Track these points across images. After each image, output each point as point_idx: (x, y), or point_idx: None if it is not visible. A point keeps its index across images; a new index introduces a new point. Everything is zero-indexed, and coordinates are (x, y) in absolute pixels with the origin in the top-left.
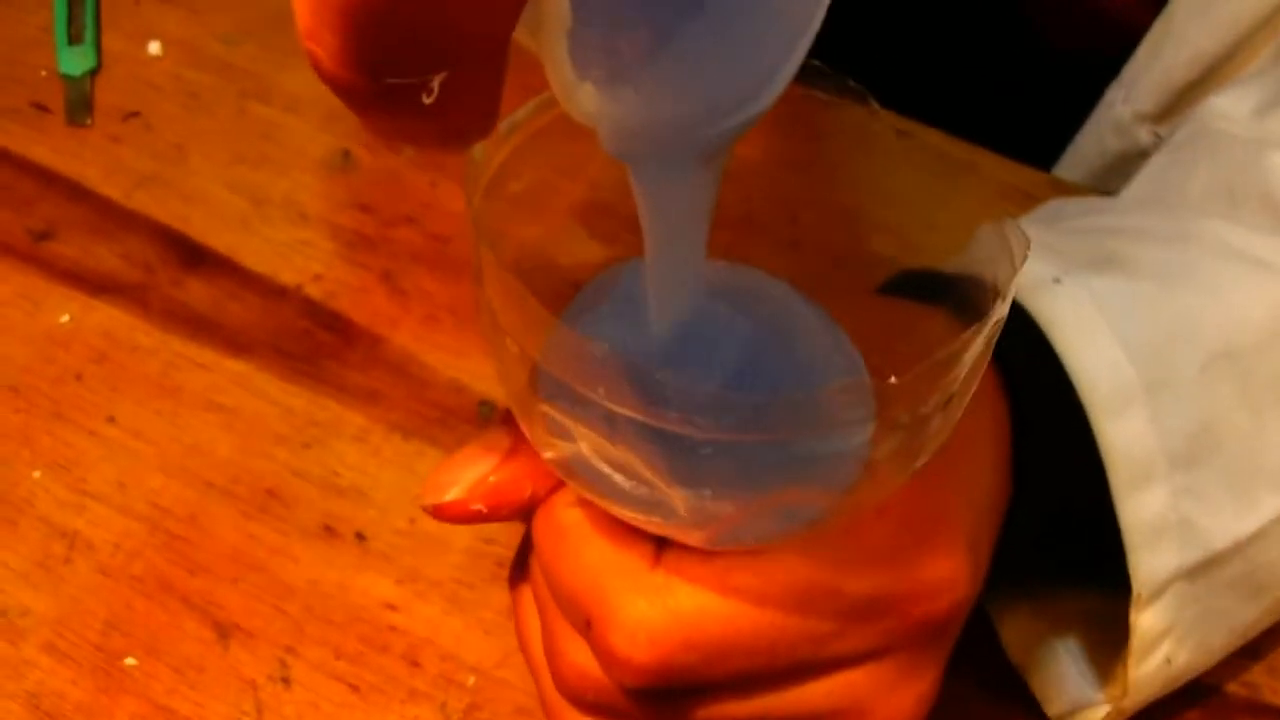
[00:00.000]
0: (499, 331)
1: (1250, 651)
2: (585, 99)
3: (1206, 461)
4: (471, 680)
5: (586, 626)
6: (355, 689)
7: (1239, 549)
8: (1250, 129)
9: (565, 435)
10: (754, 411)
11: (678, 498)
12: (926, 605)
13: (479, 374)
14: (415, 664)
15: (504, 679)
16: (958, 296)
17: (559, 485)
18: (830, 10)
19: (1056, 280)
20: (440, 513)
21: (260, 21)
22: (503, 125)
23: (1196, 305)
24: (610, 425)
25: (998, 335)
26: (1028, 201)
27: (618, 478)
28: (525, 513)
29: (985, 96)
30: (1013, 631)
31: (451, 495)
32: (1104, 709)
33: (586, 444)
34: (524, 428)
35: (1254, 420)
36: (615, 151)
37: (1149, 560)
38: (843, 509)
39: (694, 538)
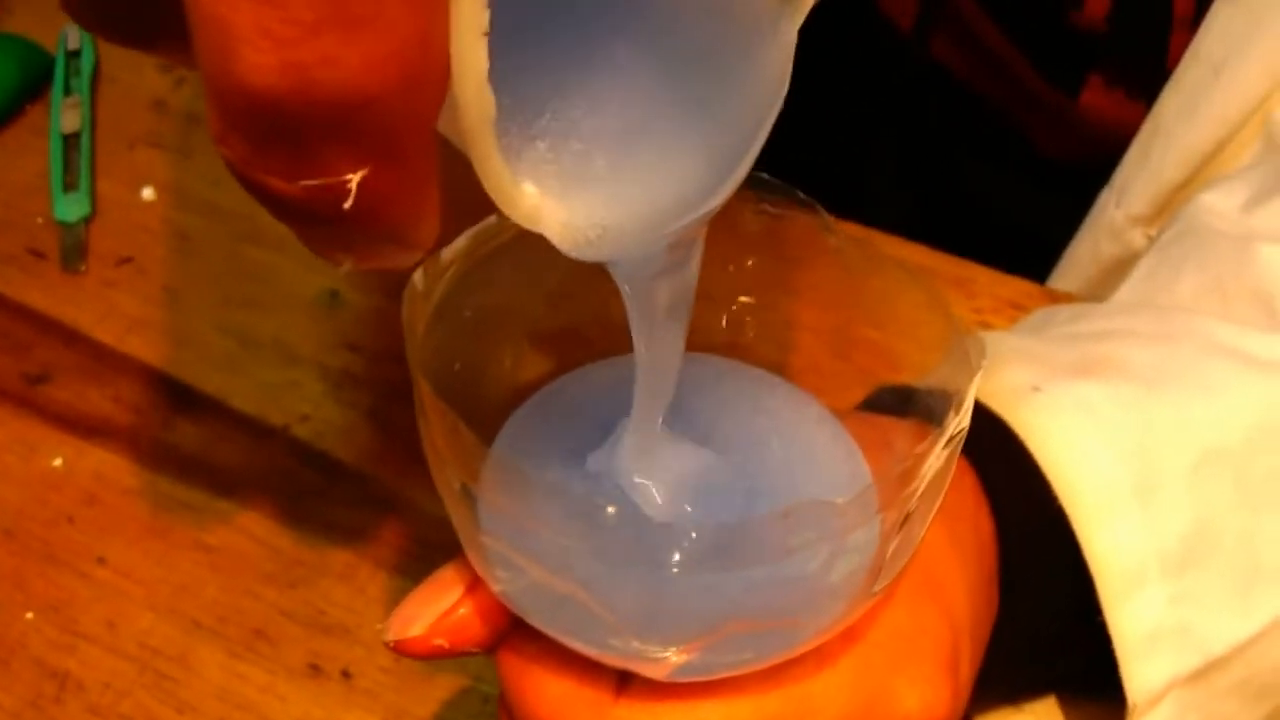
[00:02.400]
0: (441, 462)
1: None
2: (525, 200)
3: (1202, 564)
4: None
5: None
6: None
7: (1239, 652)
8: (1239, 224)
9: (512, 568)
10: (708, 540)
11: (632, 630)
12: None
13: None
14: None
15: None
16: (926, 409)
17: (521, 619)
18: (821, 127)
19: (1036, 389)
20: (402, 648)
21: None
22: (444, 253)
23: (1185, 405)
24: (557, 557)
25: (958, 449)
26: (1020, 315)
27: (569, 610)
28: (490, 647)
29: (977, 210)
30: None
31: (414, 631)
32: None
33: (533, 577)
34: (472, 561)
35: (1251, 519)
36: (568, 251)
37: (1143, 669)
38: (806, 636)
39: (651, 669)
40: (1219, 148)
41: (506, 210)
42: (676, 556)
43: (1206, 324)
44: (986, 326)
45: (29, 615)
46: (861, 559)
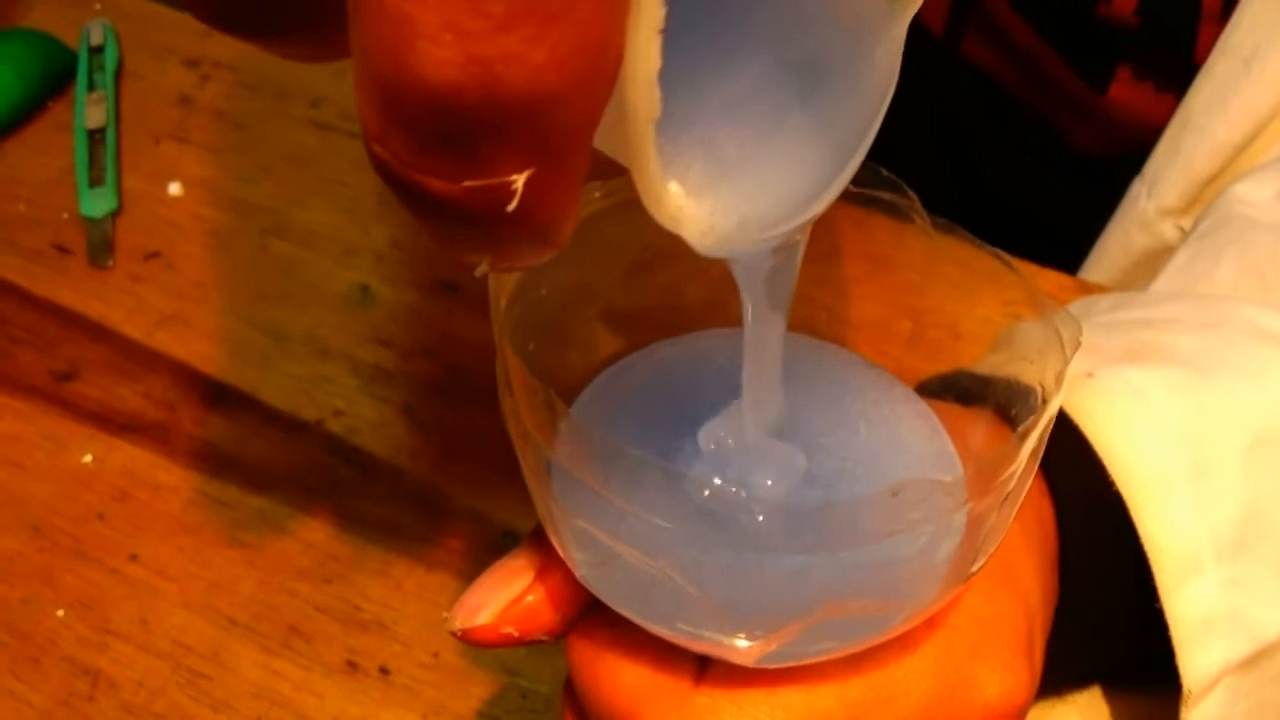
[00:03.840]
0: (526, 440)
1: None
2: (671, 201)
3: (1254, 549)
4: None
5: None
6: None
7: None
8: (1275, 213)
9: (599, 550)
10: (810, 520)
11: (723, 615)
12: (983, 716)
13: (501, 504)
14: None
15: None
16: (998, 398)
17: (593, 603)
18: None
19: (1089, 374)
20: (470, 637)
21: (277, 160)
22: None
23: (1235, 390)
24: (648, 538)
25: (1050, 428)
26: (1035, 306)
27: (656, 594)
28: (559, 634)
29: (1008, 205)
30: None
31: (482, 619)
32: None
33: (621, 559)
34: (554, 543)
35: None
36: (701, 249)
37: (1198, 656)
38: (899, 620)
39: (739, 656)
40: (1250, 139)
41: (653, 210)
42: (777, 538)
43: (1250, 310)
44: (1019, 319)
45: (60, 613)
46: (960, 540)
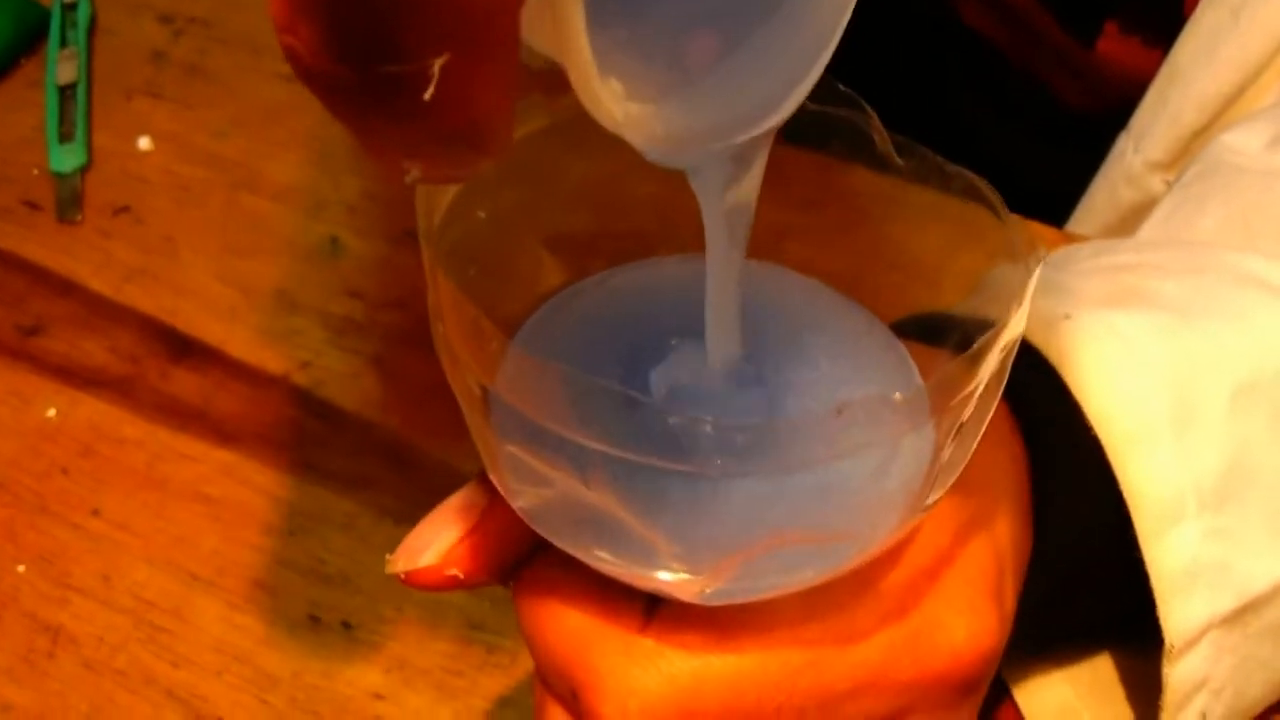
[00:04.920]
0: (458, 366)
1: None
2: (610, 99)
3: (1239, 499)
4: None
5: (572, 696)
6: None
7: (1277, 592)
8: (1263, 161)
9: (536, 480)
10: (754, 438)
11: (666, 544)
12: (949, 661)
13: (471, 457)
14: None
15: None
16: (963, 337)
17: (541, 545)
18: (842, 81)
19: (1067, 317)
20: (413, 579)
21: (249, 114)
22: None
23: (1219, 336)
24: (584, 464)
25: (1013, 354)
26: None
27: (599, 526)
28: (506, 576)
29: (995, 156)
30: (1033, 698)
31: (425, 560)
32: None
33: (559, 488)
34: (491, 475)
35: None
36: (648, 154)
37: (1181, 608)
38: (852, 553)
39: (688, 592)
40: (1238, 91)
41: (591, 108)
42: (720, 459)
43: (1234, 256)
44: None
45: (20, 568)
46: (916, 468)
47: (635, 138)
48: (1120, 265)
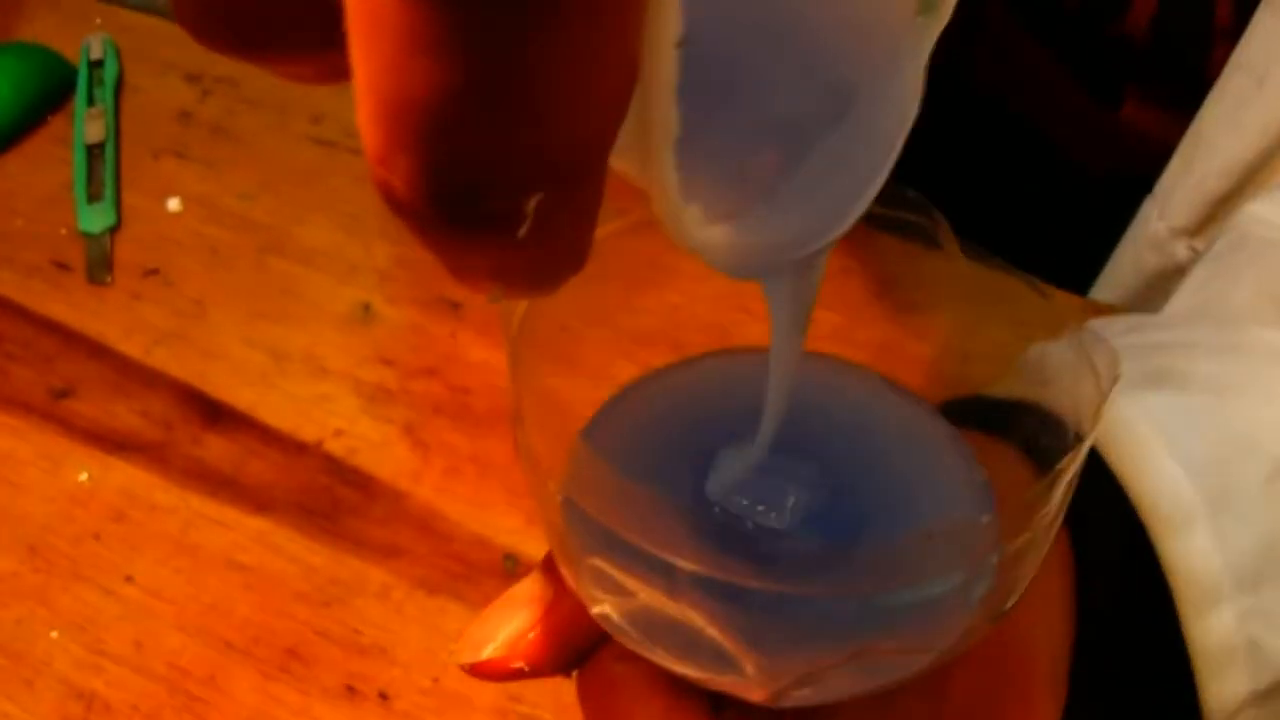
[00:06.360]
0: (540, 475)
1: None
2: (691, 224)
3: (1274, 579)
4: None
5: None
6: None
7: None
8: None
9: (616, 590)
10: (839, 563)
11: (745, 655)
12: None
13: (503, 527)
14: None
15: None
16: (1025, 428)
17: (605, 637)
18: None
19: None
20: (478, 671)
21: (277, 176)
22: None
23: (1255, 416)
24: (669, 578)
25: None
26: (1061, 329)
27: (674, 634)
28: (569, 668)
29: (1016, 224)
30: None
31: (488, 652)
32: None
33: (641, 599)
34: (569, 581)
35: None
36: (722, 270)
37: (1218, 688)
38: (927, 661)
39: (757, 695)
40: (1263, 158)
41: (672, 233)
42: (804, 580)
43: (1268, 334)
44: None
45: (54, 634)
46: (993, 579)
47: (713, 259)
48: (1153, 344)
